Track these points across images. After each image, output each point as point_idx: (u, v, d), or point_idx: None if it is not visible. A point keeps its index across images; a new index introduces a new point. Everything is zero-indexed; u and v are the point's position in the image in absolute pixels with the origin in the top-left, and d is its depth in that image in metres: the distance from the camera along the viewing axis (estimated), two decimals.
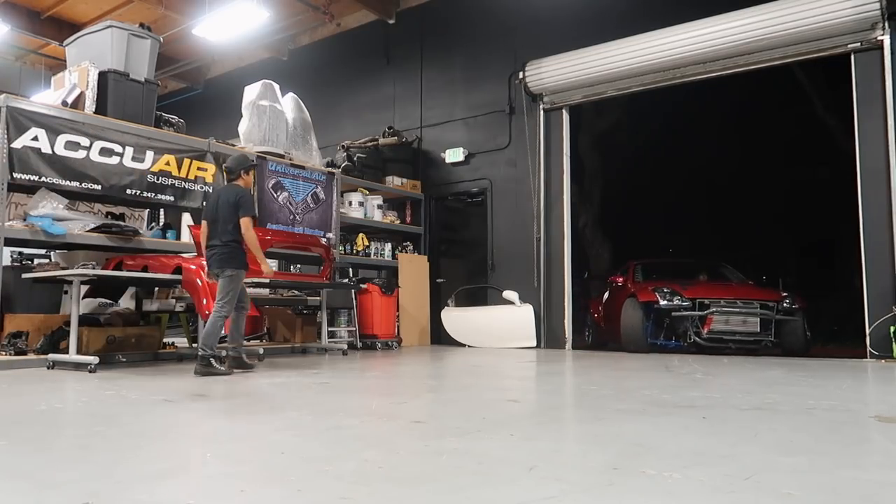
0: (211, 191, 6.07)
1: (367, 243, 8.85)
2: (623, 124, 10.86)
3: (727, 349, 7.22)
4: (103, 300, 6.37)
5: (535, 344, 8.27)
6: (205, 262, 5.11)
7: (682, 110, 9.97)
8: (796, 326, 6.98)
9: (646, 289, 7.50)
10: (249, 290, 5.78)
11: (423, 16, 10.06)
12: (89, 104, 5.91)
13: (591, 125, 10.17)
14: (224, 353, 5.17)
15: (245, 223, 4.98)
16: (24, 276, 5.63)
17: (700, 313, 7.09)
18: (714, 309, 7.01)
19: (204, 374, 4.67)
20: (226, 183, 5.40)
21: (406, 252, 9.27)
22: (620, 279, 8.41)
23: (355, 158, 9.07)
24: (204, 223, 5.20)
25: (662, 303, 7.17)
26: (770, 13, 6.93)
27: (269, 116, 7.54)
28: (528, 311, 8.32)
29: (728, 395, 3.67)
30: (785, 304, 7.02)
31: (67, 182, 5.56)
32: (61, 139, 5.54)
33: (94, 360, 4.84)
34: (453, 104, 9.67)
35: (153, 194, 6.16)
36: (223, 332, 5.13)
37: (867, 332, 6.50)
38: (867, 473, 1.95)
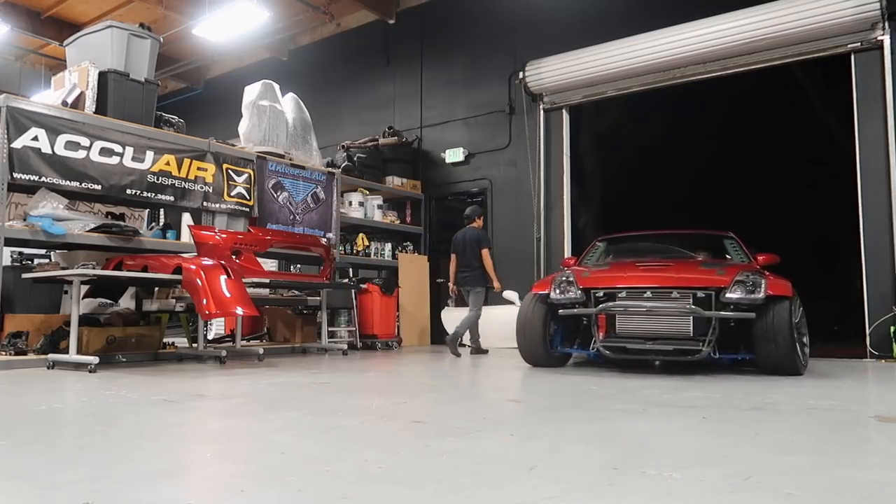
0: (455, 233, 7.57)
1: (367, 243, 8.85)
2: (623, 124, 10.85)
3: (654, 362, 5.19)
4: (103, 300, 6.37)
5: None
6: (453, 283, 7.37)
7: (682, 110, 9.96)
8: (770, 328, 4.58)
9: (552, 277, 5.51)
10: (249, 290, 5.79)
11: (423, 16, 10.06)
12: (89, 104, 5.91)
13: (591, 125, 10.17)
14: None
15: (485, 254, 7.13)
16: (24, 276, 5.64)
17: (587, 311, 5.02)
18: (610, 303, 4.91)
19: (455, 352, 6.80)
20: (464, 225, 7.40)
21: (406, 252, 9.28)
22: (572, 261, 6.42)
23: (355, 158, 9.07)
24: (453, 255, 7.34)
25: (553, 295, 5.20)
26: (770, 13, 6.94)
27: (269, 116, 7.54)
28: None
29: (728, 395, 3.67)
30: (734, 294, 4.68)
31: (67, 182, 5.56)
32: (61, 139, 5.55)
33: (94, 360, 4.84)
34: (453, 104, 9.67)
35: (153, 194, 6.16)
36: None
37: (867, 332, 6.50)
38: (867, 473, 1.94)
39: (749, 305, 4.70)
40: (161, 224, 6.92)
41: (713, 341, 4.65)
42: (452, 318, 8.65)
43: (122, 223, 6.13)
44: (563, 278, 5.27)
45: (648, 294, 4.85)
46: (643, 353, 4.82)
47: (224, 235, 6.27)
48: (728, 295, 4.70)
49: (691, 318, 4.70)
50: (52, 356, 5.14)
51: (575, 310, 5.09)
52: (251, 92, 7.58)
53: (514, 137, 8.98)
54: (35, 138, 5.39)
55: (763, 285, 4.70)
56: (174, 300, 6.24)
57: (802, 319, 5.34)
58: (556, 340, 5.41)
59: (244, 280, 5.73)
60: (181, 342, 7.07)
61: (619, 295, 4.93)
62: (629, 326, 4.88)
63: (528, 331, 5.35)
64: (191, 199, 6.47)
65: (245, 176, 7.00)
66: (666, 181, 11.83)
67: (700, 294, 4.74)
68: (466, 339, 7.43)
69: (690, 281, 4.89)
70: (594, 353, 5.12)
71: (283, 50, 11.62)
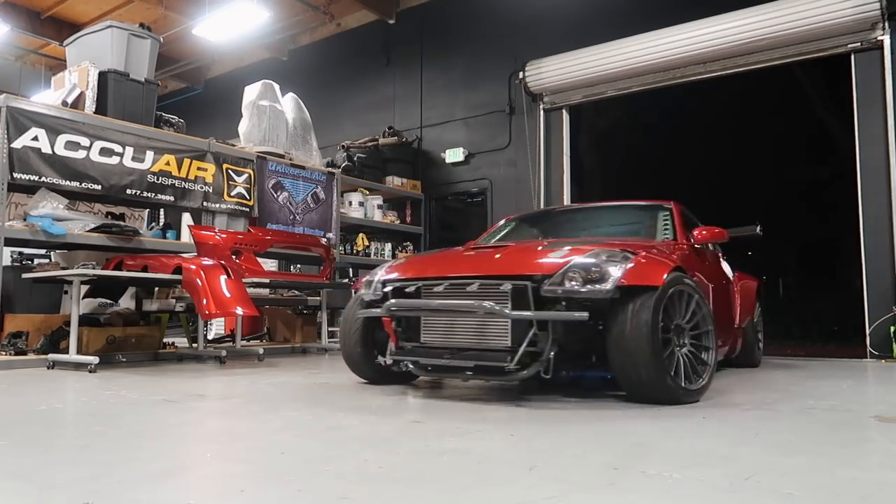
0: None
1: (367, 243, 8.85)
2: (623, 124, 10.87)
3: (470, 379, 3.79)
4: (103, 300, 6.37)
5: None
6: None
7: (682, 110, 9.97)
8: (621, 337, 3.14)
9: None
10: (249, 290, 5.79)
11: (423, 16, 10.06)
12: (89, 104, 5.91)
13: (591, 125, 10.17)
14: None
15: None
16: (24, 276, 5.64)
17: (371, 312, 3.76)
18: (395, 301, 3.61)
19: None
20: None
21: (406, 252, 9.28)
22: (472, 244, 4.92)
23: (355, 158, 9.07)
24: None
25: (363, 292, 3.96)
26: (770, 13, 6.94)
27: (269, 116, 7.54)
28: None
29: (728, 395, 3.67)
30: (560, 285, 3.19)
31: (67, 182, 5.56)
32: (61, 139, 5.55)
33: (94, 360, 4.84)
34: (453, 104, 9.67)
35: (153, 194, 6.16)
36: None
37: (867, 332, 6.49)
38: (867, 473, 1.94)
39: (583, 302, 3.17)
40: (161, 224, 6.92)
41: (541, 354, 3.18)
42: None
43: (122, 223, 6.13)
44: (379, 269, 4.00)
45: (447, 284, 3.46)
46: (447, 371, 3.48)
47: (224, 235, 6.27)
48: (549, 287, 3.16)
49: (509, 321, 3.23)
50: (52, 356, 5.14)
51: (367, 311, 3.77)
52: (251, 92, 7.58)
53: (514, 137, 8.98)
54: (35, 138, 5.40)
55: (615, 272, 3.13)
56: (174, 300, 6.24)
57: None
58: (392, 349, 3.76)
59: (244, 280, 5.73)
60: (181, 342, 7.07)
61: (411, 290, 3.60)
62: (432, 333, 3.54)
63: (345, 338, 4.12)
64: (191, 199, 6.47)
65: (245, 176, 7.00)
66: (666, 181, 11.82)
67: (521, 287, 3.26)
68: None
69: (507, 267, 3.44)
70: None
71: (283, 50, 11.62)
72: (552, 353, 3.19)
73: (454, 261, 3.88)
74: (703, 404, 3.29)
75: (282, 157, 7.55)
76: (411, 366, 3.64)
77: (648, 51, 7.66)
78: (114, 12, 10.73)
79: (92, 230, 5.66)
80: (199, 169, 6.55)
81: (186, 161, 6.45)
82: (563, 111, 8.66)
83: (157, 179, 6.18)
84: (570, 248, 3.52)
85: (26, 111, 5.40)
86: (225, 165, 6.80)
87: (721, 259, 5.22)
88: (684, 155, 11.45)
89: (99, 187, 5.76)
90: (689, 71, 7.62)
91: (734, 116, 11.58)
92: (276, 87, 7.79)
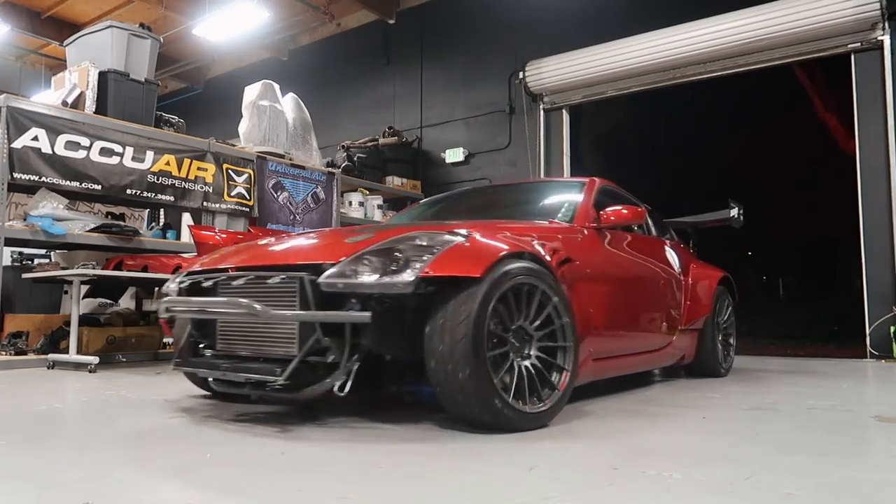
0: None
1: None
2: (623, 124, 10.86)
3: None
4: (103, 300, 6.38)
5: None
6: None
7: (682, 110, 9.98)
8: (434, 341, 2.46)
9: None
10: None
11: (423, 16, 10.06)
12: (89, 104, 5.92)
13: (592, 125, 10.17)
14: None
15: None
16: (24, 276, 5.64)
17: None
18: (167, 299, 3.03)
19: None
20: None
21: None
22: None
23: (355, 158, 9.07)
24: None
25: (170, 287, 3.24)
26: (770, 13, 6.94)
27: (269, 116, 7.54)
28: None
29: (728, 395, 3.67)
30: (343, 277, 2.49)
31: (67, 182, 5.56)
32: (61, 139, 5.55)
33: (94, 360, 4.84)
34: (453, 104, 9.67)
35: (153, 194, 6.16)
36: None
37: (867, 332, 6.49)
38: (867, 473, 1.94)
39: (366, 299, 2.48)
40: (161, 224, 6.92)
41: (339, 366, 2.46)
42: None
43: (122, 223, 6.13)
44: (199, 266, 3.21)
45: (259, 282, 2.72)
46: (230, 385, 2.80)
47: (224, 235, 6.26)
48: (327, 280, 2.48)
49: (297, 324, 2.56)
50: (52, 356, 5.14)
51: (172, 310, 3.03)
52: (251, 92, 7.58)
53: (514, 137, 8.98)
54: (35, 138, 5.40)
55: (419, 260, 2.44)
56: None
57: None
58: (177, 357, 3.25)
59: None
60: None
61: (208, 285, 2.93)
62: (227, 338, 2.91)
63: (176, 342, 3.50)
64: (191, 199, 6.47)
65: (245, 176, 7.00)
66: (666, 181, 11.83)
67: (293, 279, 2.59)
68: None
69: (297, 256, 2.81)
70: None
71: (283, 50, 11.62)
72: (355, 364, 2.45)
73: (263, 248, 3.15)
74: (703, 404, 3.28)
75: (282, 157, 7.55)
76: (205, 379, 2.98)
77: (649, 51, 7.66)
78: (114, 12, 10.72)
79: (92, 230, 5.66)
80: (199, 169, 6.55)
81: (186, 161, 6.45)
82: (563, 111, 8.66)
83: (157, 179, 6.18)
84: (388, 230, 2.90)
85: (26, 111, 5.40)
86: (225, 165, 6.80)
87: (668, 247, 4.53)
88: (684, 154, 11.46)
89: (99, 187, 5.76)
90: (690, 71, 7.62)
91: (734, 116, 11.59)
92: (276, 87, 7.79)
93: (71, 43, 6.53)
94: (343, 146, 9.47)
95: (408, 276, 2.40)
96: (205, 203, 6.58)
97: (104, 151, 5.82)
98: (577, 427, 2.66)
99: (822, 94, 9.57)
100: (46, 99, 6.14)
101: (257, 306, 2.54)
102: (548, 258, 2.88)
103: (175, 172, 6.33)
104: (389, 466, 1.95)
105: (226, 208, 6.79)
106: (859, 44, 6.71)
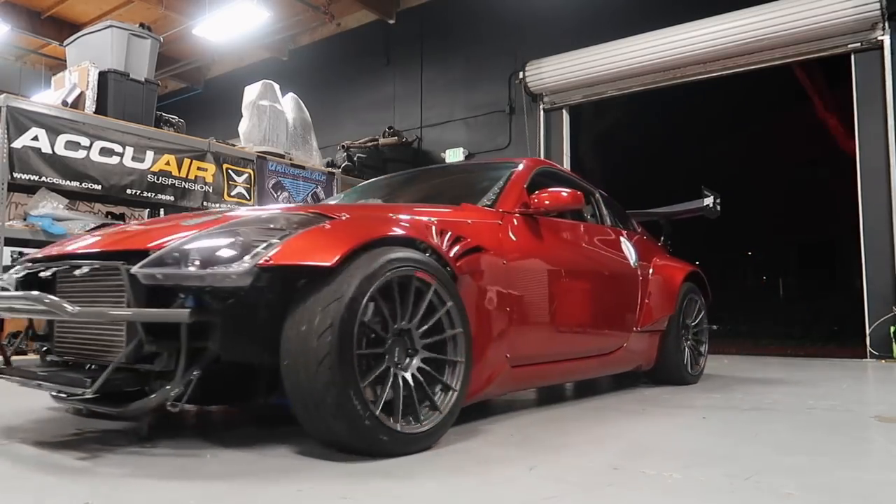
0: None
1: None
2: (623, 124, 10.87)
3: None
4: None
5: None
6: None
7: (682, 110, 9.99)
8: (289, 344, 2.00)
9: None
10: None
11: (423, 16, 10.06)
12: (89, 104, 5.92)
13: (592, 125, 10.17)
14: None
15: None
16: None
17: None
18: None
19: None
20: None
21: None
22: None
23: (355, 158, 9.07)
24: None
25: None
26: (770, 13, 6.94)
27: (269, 116, 7.54)
28: None
29: (728, 395, 3.67)
30: (159, 267, 2.02)
31: (67, 182, 5.57)
32: (61, 139, 5.55)
33: None
34: (453, 104, 9.67)
35: (153, 194, 6.16)
36: None
37: (867, 332, 6.49)
38: (867, 473, 1.94)
39: (201, 293, 2.06)
40: None
41: (173, 375, 2.01)
42: None
43: (122, 223, 6.13)
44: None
45: (82, 272, 2.27)
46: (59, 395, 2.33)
47: None
48: (143, 269, 2.03)
49: (125, 325, 2.12)
50: None
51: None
52: (251, 92, 7.58)
53: (514, 137, 8.98)
54: (35, 138, 5.40)
55: (262, 246, 2.03)
56: None
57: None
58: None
59: None
60: None
61: (47, 275, 2.46)
62: (59, 340, 2.57)
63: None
64: (191, 198, 6.47)
65: (245, 176, 7.01)
66: (666, 181, 11.83)
67: (107, 269, 2.19)
68: None
69: (128, 242, 2.32)
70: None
71: (283, 50, 11.62)
72: (194, 373, 2.00)
73: (119, 231, 2.61)
74: (703, 404, 3.28)
75: (282, 157, 7.55)
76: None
77: (649, 51, 7.66)
78: (114, 12, 10.72)
79: (92, 230, 5.66)
80: (199, 169, 6.56)
81: (186, 161, 6.45)
82: (563, 111, 8.66)
83: (157, 179, 6.19)
84: (245, 213, 2.52)
85: (26, 111, 5.41)
86: (225, 165, 6.80)
87: (624, 239, 4.02)
88: (684, 154, 11.46)
89: (99, 187, 5.76)
90: (689, 71, 7.63)
91: (734, 116, 11.59)
92: (276, 87, 7.79)
93: (71, 43, 6.53)
94: (343, 146, 9.47)
95: (244, 264, 1.96)
96: (205, 203, 6.58)
97: (104, 151, 5.82)
98: (576, 427, 2.66)
99: (822, 94, 9.58)
100: (46, 99, 6.14)
101: (67, 306, 2.03)
102: (444, 248, 2.40)
103: (175, 172, 6.34)
104: (389, 467, 1.95)
105: (226, 208, 6.79)
106: (859, 44, 6.72)
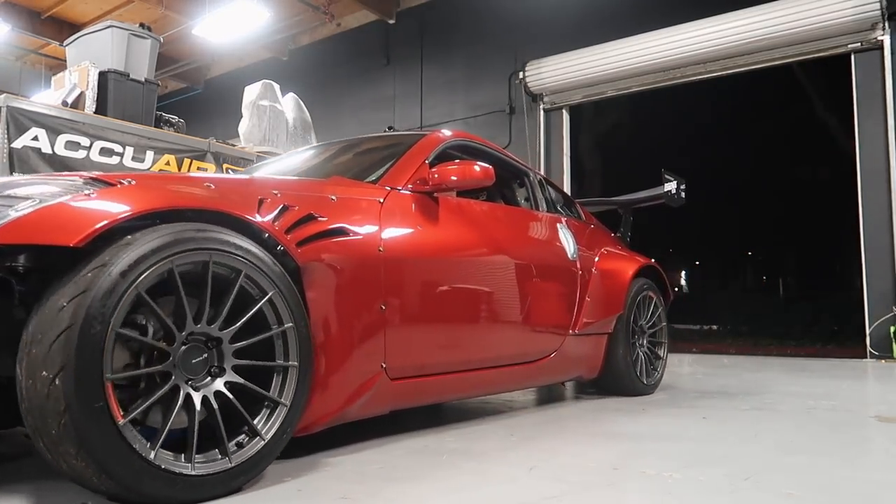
0: None
1: None
2: (623, 124, 10.88)
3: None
4: None
5: None
6: None
7: (682, 110, 10.00)
8: (25, 349, 1.44)
9: None
10: None
11: (423, 16, 10.06)
12: (89, 104, 5.92)
13: (592, 125, 10.19)
14: None
15: None
16: None
17: None
18: None
19: None
20: None
21: None
22: None
23: None
24: None
25: None
26: (770, 13, 6.94)
27: (270, 116, 7.54)
28: None
29: (728, 395, 3.67)
30: None
31: None
32: (61, 139, 5.55)
33: None
34: (453, 104, 9.67)
35: None
36: None
37: (867, 332, 6.49)
38: (867, 473, 1.94)
39: None
40: None
41: None
42: None
43: None
44: None
45: None
46: None
47: None
48: None
49: None
50: None
51: None
52: (251, 92, 7.58)
53: (514, 137, 8.98)
54: (35, 138, 5.40)
55: None
56: None
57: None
58: None
59: None
60: None
61: None
62: None
63: None
64: None
65: None
66: (663, 180, 11.84)
67: None
68: None
69: None
70: None
71: (283, 50, 11.62)
72: None
73: None
74: (703, 404, 3.28)
75: None
76: None
77: (649, 51, 7.66)
78: (114, 12, 10.73)
79: None
80: (199, 169, 6.55)
81: (186, 161, 6.45)
82: (563, 111, 8.66)
83: None
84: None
85: (26, 111, 5.41)
86: (225, 165, 6.80)
87: (560, 226, 3.40)
88: (684, 154, 11.46)
89: None
90: (689, 71, 7.63)
91: (734, 116, 11.59)
92: (277, 87, 7.79)
93: (71, 43, 6.53)
94: None
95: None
96: None
97: (104, 151, 5.82)
98: (576, 427, 2.65)
99: (822, 94, 9.58)
100: (46, 99, 6.14)
101: None
102: (277, 227, 1.89)
103: (175, 172, 6.34)
104: (389, 467, 1.95)
105: None
106: (859, 44, 6.72)
